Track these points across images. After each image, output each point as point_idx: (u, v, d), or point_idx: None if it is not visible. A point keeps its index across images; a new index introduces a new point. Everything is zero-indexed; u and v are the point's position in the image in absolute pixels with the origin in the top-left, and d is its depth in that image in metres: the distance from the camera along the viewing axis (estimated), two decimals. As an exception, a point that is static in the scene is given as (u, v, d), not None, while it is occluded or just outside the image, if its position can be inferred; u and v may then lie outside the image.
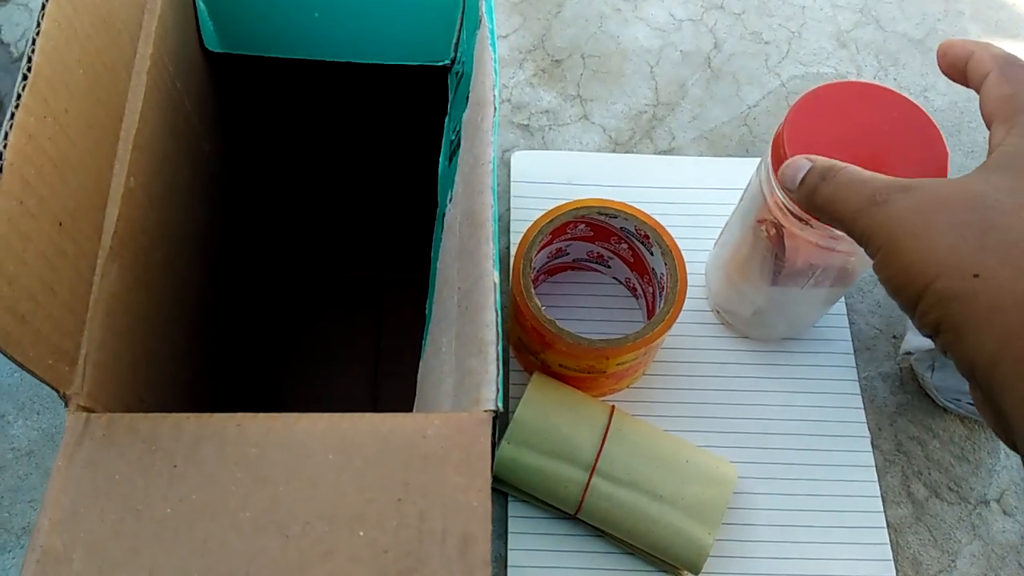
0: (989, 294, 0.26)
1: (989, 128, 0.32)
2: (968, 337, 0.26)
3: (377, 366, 0.54)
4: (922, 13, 0.66)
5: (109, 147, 0.30)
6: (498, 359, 0.29)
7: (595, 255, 0.53)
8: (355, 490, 0.25)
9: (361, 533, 0.24)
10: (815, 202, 0.33)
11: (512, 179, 0.58)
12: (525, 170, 0.59)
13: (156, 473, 0.25)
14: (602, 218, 0.48)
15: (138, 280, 0.32)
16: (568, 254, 0.53)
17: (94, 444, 0.26)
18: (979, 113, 0.33)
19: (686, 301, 0.45)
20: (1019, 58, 0.33)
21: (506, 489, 0.48)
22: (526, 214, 0.56)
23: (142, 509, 0.24)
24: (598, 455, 0.46)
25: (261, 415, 0.26)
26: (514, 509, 0.48)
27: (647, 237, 0.47)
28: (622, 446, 0.46)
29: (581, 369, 0.47)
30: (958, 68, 0.34)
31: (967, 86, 0.34)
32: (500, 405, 0.28)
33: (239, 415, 0.26)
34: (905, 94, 0.38)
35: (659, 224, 0.47)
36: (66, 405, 0.27)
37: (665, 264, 0.46)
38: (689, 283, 0.46)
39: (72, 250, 0.27)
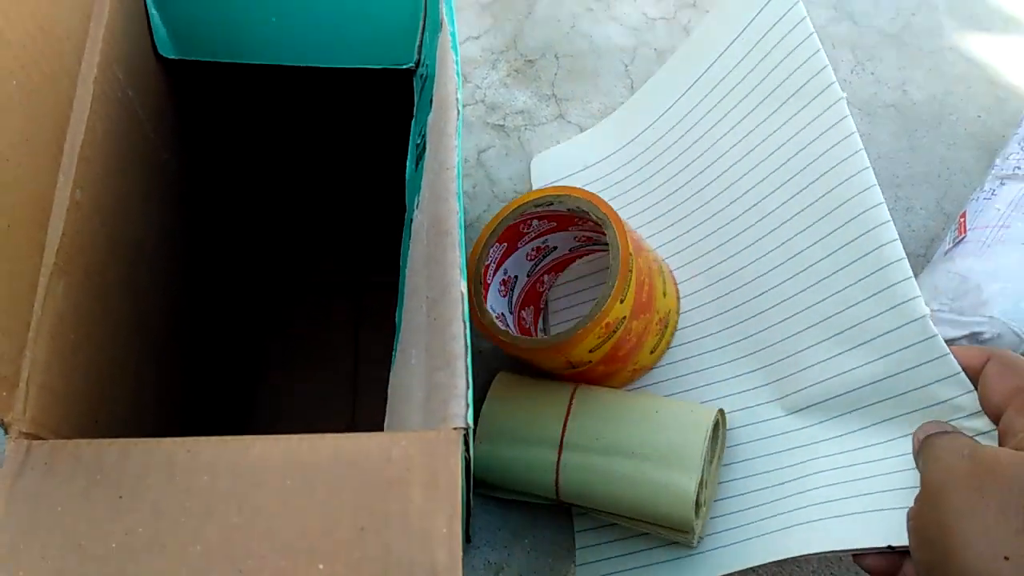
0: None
1: (995, 419, 0.34)
2: None
3: (356, 374, 0.53)
4: (896, 8, 0.65)
5: (51, 160, 0.29)
6: (467, 372, 0.28)
7: (583, 239, 0.50)
8: (315, 519, 0.24)
9: (321, 567, 0.23)
10: None
11: (534, 187, 0.56)
12: (546, 172, 0.56)
13: (101, 505, 0.23)
14: (547, 208, 0.44)
15: (90, 297, 0.31)
16: (556, 248, 0.50)
17: (35, 474, 0.24)
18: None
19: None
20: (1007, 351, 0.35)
21: (493, 493, 0.46)
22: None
23: (85, 544, 0.23)
24: (563, 429, 0.44)
25: (213, 439, 0.25)
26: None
27: (586, 212, 0.43)
28: (587, 416, 0.44)
29: (563, 366, 0.45)
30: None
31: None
32: (470, 421, 0.27)
33: (190, 439, 0.25)
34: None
35: (590, 193, 0.43)
36: (5, 432, 0.25)
37: (605, 234, 0.42)
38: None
39: (6, 268, 0.25)
